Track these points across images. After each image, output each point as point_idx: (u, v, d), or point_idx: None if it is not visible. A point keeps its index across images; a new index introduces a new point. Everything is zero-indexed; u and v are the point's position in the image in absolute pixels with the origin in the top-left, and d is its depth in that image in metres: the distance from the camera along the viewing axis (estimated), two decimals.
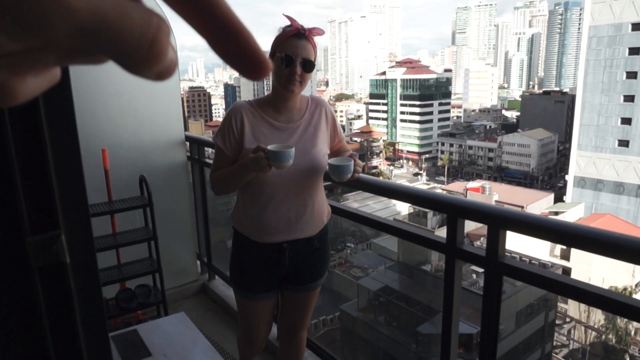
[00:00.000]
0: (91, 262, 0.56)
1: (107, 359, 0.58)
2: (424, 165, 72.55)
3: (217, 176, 1.55)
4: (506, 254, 1.43)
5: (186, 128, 3.29)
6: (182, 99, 3.53)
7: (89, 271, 0.56)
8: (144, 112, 2.96)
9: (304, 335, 1.83)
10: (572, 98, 63.55)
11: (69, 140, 0.54)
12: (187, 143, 3.24)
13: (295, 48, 1.45)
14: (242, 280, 1.65)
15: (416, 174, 69.44)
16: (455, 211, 1.53)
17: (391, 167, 72.10)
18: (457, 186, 41.70)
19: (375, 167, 67.04)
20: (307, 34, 1.48)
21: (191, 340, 1.68)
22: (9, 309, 0.52)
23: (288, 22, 1.50)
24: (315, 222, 1.60)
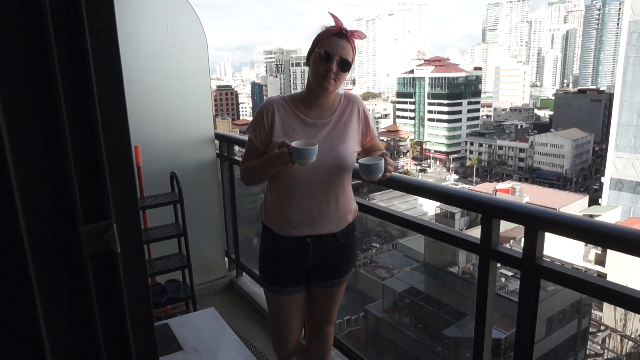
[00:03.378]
0: (139, 251, 0.58)
1: (152, 345, 0.59)
2: (452, 165, 71.27)
3: (246, 167, 1.59)
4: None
5: (214, 127, 3.33)
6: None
7: (137, 260, 0.57)
8: (175, 110, 3.02)
9: (330, 330, 1.83)
10: (610, 97, 61.05)
11: (121, 135, 0.55)
12: (217, 141, 3.28)
13: (335, 46, 1.47)
14: (269, 274, 1.66)
15: (422, 170, 68.57)
16: (490, 211, 1.48)
17: (417, 167, 71.27)
18: (486, 187, 40.75)
19: (401, 168, 66.35)
20: (348, 34, 1.50)
21: (221, 335, 1.70)
22: (64, 295, 0.54)
23: (331, 22, 1.51)
24: (339, 219, 1.60)
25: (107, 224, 0.54)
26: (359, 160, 1.51)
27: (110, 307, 0.57)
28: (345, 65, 1.48)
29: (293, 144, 1.39)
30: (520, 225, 1.41)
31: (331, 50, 1.46)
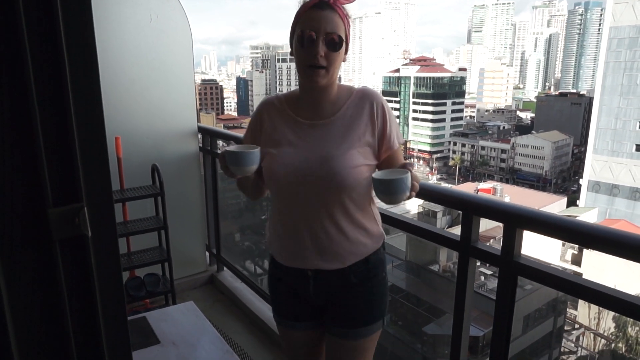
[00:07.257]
0: (112, 236, 0.57)
1: (124, 332, 0.58)
2: (435, 165, 72.12)
3: None
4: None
5: (198, 121, 3.29)
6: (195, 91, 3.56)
7: (109, 245, 0.56)
8: (158, 101, 2.97)
9: None
10: (590, 100, 62.60)
11: (94, 114, 0.53)
12: (200, 134, 3.25)
13: (316, 21, 1.11)
14: (272, 301, 1.44)
15: None
16: (470, 208, 1.49)
17: None
18: (468, 187, 41.37)
19: None
20: (331, 2, 1.14)
21: (199, 329, 1.69)
22: (30, 280, 0.53)
23: None
24: (343, 252, 1.23)
25: (78, 206, 0.53)
26: (373, 175, 1.10)
27: (81, 293, 0.55)
28: (335, 43, 1.12)
29: (229, 148, 1.15)
30: (500, 224, 1.43)
31: (313, 27, 1.11)
